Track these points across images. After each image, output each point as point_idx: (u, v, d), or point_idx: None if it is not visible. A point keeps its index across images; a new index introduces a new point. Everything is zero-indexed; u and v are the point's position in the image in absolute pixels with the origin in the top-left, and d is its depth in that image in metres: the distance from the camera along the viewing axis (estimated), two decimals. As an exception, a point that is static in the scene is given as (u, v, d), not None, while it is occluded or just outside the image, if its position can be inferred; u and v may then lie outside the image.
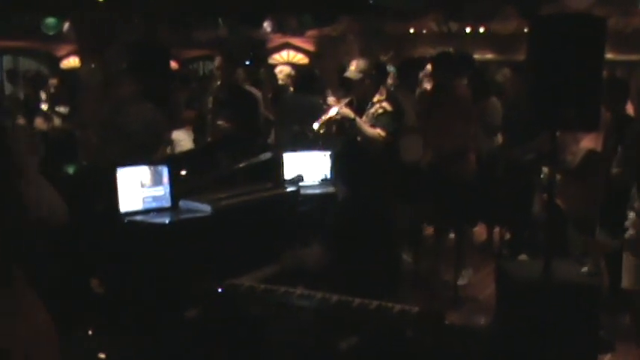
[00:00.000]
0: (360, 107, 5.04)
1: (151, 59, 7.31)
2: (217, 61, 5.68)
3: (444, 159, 5.49)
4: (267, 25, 12.10)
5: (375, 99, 5.03)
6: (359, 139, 4.90)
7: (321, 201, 4.67)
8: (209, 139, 5.52)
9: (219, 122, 5.29)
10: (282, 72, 7.87)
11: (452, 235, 6.13)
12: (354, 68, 5.04)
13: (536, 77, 3.71)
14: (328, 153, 5.16)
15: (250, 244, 3.77)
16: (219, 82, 5.45)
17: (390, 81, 7.03)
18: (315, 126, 4.99)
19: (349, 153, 4.88)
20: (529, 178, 5.82)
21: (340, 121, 4.96)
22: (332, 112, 4.94)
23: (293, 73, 7.95)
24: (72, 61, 14.34)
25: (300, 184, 4.65)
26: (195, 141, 6.17)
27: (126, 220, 3.64)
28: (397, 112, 5.11)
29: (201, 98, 6.37)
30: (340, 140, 5.14)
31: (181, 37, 12.38)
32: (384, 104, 4.99)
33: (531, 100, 3.75)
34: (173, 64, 12.68)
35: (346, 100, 5.05)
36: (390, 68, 7.27)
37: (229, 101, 5.45)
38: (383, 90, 5.15)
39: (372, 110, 4.99)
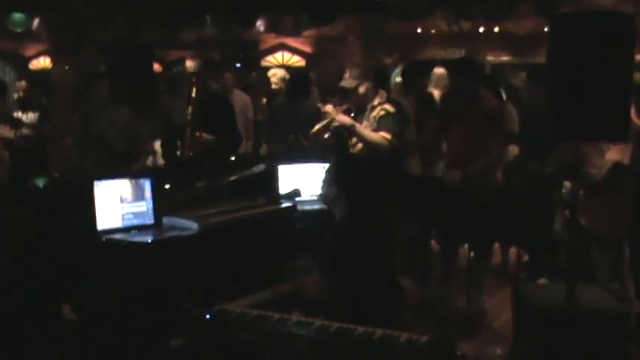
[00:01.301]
0: (358, 115, 5.10)
1: (132, 60, 7.32)
2: (190, 66, 5.65)
3: (472, 178, 5.46)
4: (260, 24, 12.13)
5: (375, 102, 5.11)
6: (358, 147, 4.92)
7: (319, 218, 4.66)
8: (189, 153, 5.51)
9: (199, 134, 5.29)
10: (275, 75, 7.88)
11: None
12: (348, 76, 5.16)
13: (556, 81, 3.73)
14: (327, 165, 5.16)
15: (242, 265, 3.76)
16: (194, 91, 5.41)
17: (399, 79, 7.06)
18: (312, 131, 5.03)
19: (344, 167, 4.89)
20: (549, 193, 5.82)
21: (338, 130, 5.00)
22: (329, 119, 5.00)
23: (288, 76, 7.98)
24: (42, 62, 14.37)
25: (297, 199, 4.65)
26: (165, 155, 6.13)
27: (104, 239, 3.64)
28: (400, 113, 5.17)
29: (171, 106, 6.32)
30: (333, 153, 5.16)
31: (165, 37, 12.41)
32: (386, 106, 5.07)
33: (551, 106, 3.76)
34: (156, 67, 12.71)
35: (344, 108, 5.11)
36: (396, 71, 7.29)
37: (204, 111, 5.45)
38: (382, 93, 5.22)
39: (374, 114, 5.05)
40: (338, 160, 4.95)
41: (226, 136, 5.52)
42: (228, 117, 5.77)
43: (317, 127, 5.06)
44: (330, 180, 4.82)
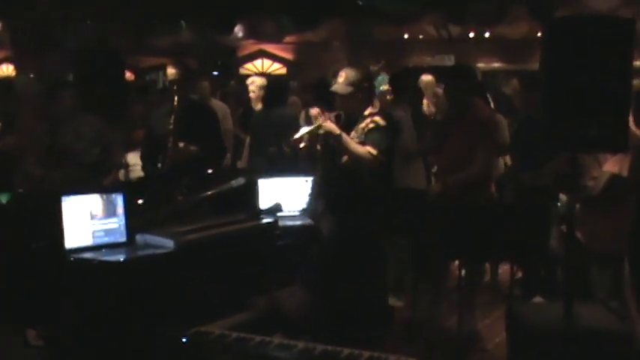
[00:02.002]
0: (349, 124, 5.04)
1: (102, 68, 7.31)
2: (169, 73, 5.61)
3: (461, 190, 5.48)
4: (238, 30, 12.15)
5: (367, 112, 5.02)
6: (344, 159, 4.90)
7: (302, 234, 4.65)
8: (171, 164, 5.49)
9: (182, 145, 5.26)
10: (254, 83, 7.89)
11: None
12: (342, 80, 5.02)
13: (551, 89, 3.75)
14: (310, 178, 5.16)
15: (220, 285, 3.74)
16: (176, 99, 5.39)
17: (384, 87, 7.08)
18: (295, 137, 4.95)
19: (332, 180, 4.88)
20: (544, 206, 5.85)
21: (324, 137, 4.95)
22: (315, 125, 4.94)
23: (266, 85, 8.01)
24: (5, 69, 14.32)
25: (278, 214, 4.64)
26: (146, 168, 6.11)
27: (72, 258, 3.60)
28: (391, 128, 5.10)
29: (150, 115, 6.28)
30: (321, 164, 5.14)
31: (137, 43, 12.40)
32: (376, 118, 4.96)
33: (546, 116, 3.78)
34: (128, 75, 12.69)
35: (333, 114, 5.04)
36: (385, 77, 7.32)
37: (187, 120, 5.43)
38: (376, 102, 5.15)
39: (362, 125, 4.98)
40: (325, 172, 4.95)
41: (211, 147, 5.51)
42: (212, 127, 5.76)
43: (301, 132, 4.98)
44: (317, 193, 4.82)
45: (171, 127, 5.30)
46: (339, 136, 4.82)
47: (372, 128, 4.92)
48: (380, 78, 8.00)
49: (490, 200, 5.71)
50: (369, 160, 4.81)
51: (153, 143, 5.57)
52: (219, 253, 3.86)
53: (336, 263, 3.39)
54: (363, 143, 4.88)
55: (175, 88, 5.43)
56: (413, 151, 6.30)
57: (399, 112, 6.35)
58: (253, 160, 7.01)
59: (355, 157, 4.83)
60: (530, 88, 6.28)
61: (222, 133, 6.24)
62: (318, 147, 5.05)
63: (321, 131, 4.89)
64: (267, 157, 6.42)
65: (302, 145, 4.99)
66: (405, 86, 6.94)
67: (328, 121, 4.90)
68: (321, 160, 5.12)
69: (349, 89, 4.97)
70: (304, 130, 4.97)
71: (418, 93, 7.04)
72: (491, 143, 5.61)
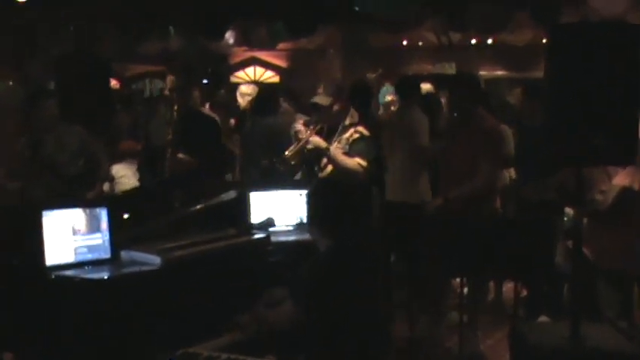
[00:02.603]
0: (330, 135, 5.13)
1: (86, 75, 7.30)
2: (170, 80, 5.67)
3: (463, 203, 5.48)
4: (229, 36, 12.16)
5: (347, 122, 5.14)
6: (327, 170, 4.94)
7: (295, 250, 4.65)
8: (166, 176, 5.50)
9: (180, 156, 5.29)
10: (245, 93, 7.93)
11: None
12: (321, 91, 5.17)
13: (556, 98, 3.76)
14: (304, 192, 5.17)
15: (209, 304, 3.74)
16: (175, 108, 5.42)
17: (389, 97, 7.12)
18: (287, 154, 5.05)
19: (327, 192, 4.89)
20: (550, 221, 5.86)
21: (315, 152, 5.03)
22: (302, 140, 5.03)
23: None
24: (-17, 77, 14.29)
25: (271, 229, 4.64)
26: (142, 179, 6.14)
27: (53, 276, 3.60)
28: (375, 138, 5.20)
29: (147, 126, 6.33)
30: (315, 176, 5.18)
31: (123, 49, 12.40)
32: (360, 128, 5.09)
33: (551, 126, 3.79)
34: (113, 83, 12.69)
35: (316, 128, 5.13)
36: (389, 88, 7.35)
37: (187, 130, 5.44)
38: (354, 113, 5.25)
39: (347, 135, 5.08)
40: (318, 185, 4.97)
41: (212, 159, 5.52)
42: (214, 138, 5.78)
43: (292, 149, 5.09)
44: (312, 207, 4.84)
45: (170, 137, 5.34)
46: (327, 149, 4.93)
47: (357, 139, 5.04)
48: (384, 89, 8.03)
49: (494, 214, 5.71)
50: (359, 172, 4.89)
51: (151, 154, 5.60)
52: (209, 270, 3.86)
53: (329, 278, 3.39)
54: (347, 154, 4.97)
55: (175, 96, 5.48)
56: (428, 153, 6.31)
57: (414, 114, 6.37)
58: (245, 173, 7.02)
59: (344, 169, 4.89)
60: (532, 97, 6.30)
61: (222, 144, 6.28)
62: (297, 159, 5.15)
63: (309, 146, 5.00)
64: (259, 169, 6.42)
65: (293, 162, 5.10)
66: (412, 90, 6.92)
67: (315, 136, 5.00)
68: (301, 172, 5.21)
69: (329, 100, 5.10)
70: (293, 147, 5.08)
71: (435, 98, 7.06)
72: (495, 154, 5.61)
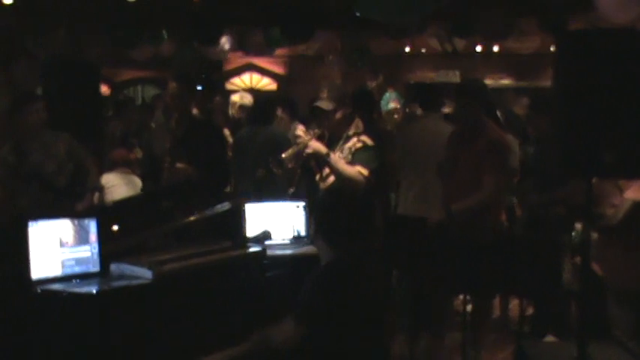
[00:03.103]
0: (331, 142, 5.13)
1: (75, 80, 7.31)
2: (172, 87, 5.66)
3: (467, 218, 5.47)
4: (224, 41, 12.18)
5: (351, 131, 5.13)
6: (329, 180, 4.94)
7: (293, 264, 4.65)
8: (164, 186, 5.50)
9: (179, 165, 5.29)
10: (236, 102, 7.95)
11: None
12: (325, 96, 5.14)
13: (564, 109, 3.76)
14: (302, 204, 5.17)
15: (203, 319, 3.73)
16: (175, 115, 5.42)
17: (393, 104, 7.12)
18: (283, 155, 5.02)
19: (336, 202, 4.90)
20: (557, 236, 5.86)
21: (313, 158, 5.03)
22: (301, 144, 5.01)
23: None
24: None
25: (267, 242, 4.63)
26: (144, 189, 6.13)
27: (39, 290, 3.58)
28: (379, 148, 5.20)
29: (145, 134, 6.34)
30: (316, 187, 5.18)
31: (114, 54, 12.42)
32: (364, 138, 5.09)
33: (559, 137, 3.79)
34: (103, 88, 12.70)
35: (317, 133, 5.12)
36: (393, 94, 7.34)
37: (188, 139, 5.44)
38: (358, 122, 5.24)
39: (349, 144, 5.08)
40: (308, 195, 4.99)
41: (215, 170, 5.51)
42: (218, 148, 5.78)
43: (289, 151, 5.06)
44: (319, 217, 4.84)
45: (168, 145, 5.34)
46: (327, 155, 4.90)
47: (360, 148, 5.04)
48: (387, 95, 8.03)
49: (499, 228, 5.71)
50: (360, 181, 4.88)
51: (152, 163, 5.59)
52: (202, 284, 3.85)
53: (329, 294, 3.39)
54: (350, 163, 4.97)
55: (176, 103, 5.48)
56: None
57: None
58: (239, 184, 7.02)
59: (344, 178, 4.88)
60: (540, 110, 6.30)
61: (227, 154, 6.28)
62: (297, 169, 5.14)
63: (308, 150, 4.97)
64: (254, 180, 6.42)
65: (290, 165, 5.08)
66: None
67: (314, 140, 4.98)
68: (299, 182, 5.20)
69: (332, 105, 5.07)
70: (291, 150, 5.06)
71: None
72: (501, 166, 5.61)
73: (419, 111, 7.16)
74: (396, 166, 6.59)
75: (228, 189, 7.26)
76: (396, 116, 8.48)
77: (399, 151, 6.57)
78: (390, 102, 8.80)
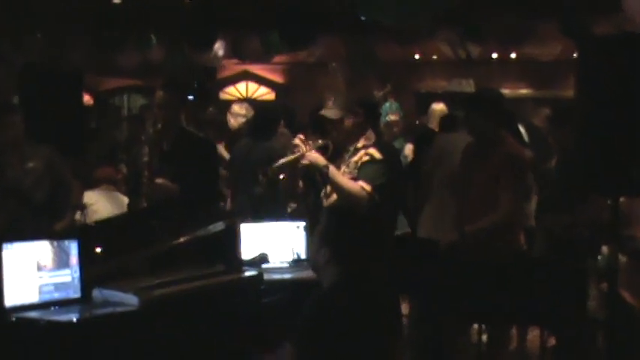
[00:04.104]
0: (338, 155, 5.07)
1: (55, 88, 7.32)
2: (159, 96, 5.64)
3: (482, 240, 5.46)
4: (218, 47, 12.22)
5: (360, 144, 5.05)
6: (333, 198, 4.92)
7: (292, 290, 4.65)
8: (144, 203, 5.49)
9: (159, 181, 5.26)
10: (238, 113, 7.95)
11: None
12: (331, 105, 5.08)
13: (589, 120, 3.76)
14: (302, 224, 5.17)
15: (193, 350, 3.72)
16: (159, 126, 5.40)
17: (393, 117, 7.10)
18: (274, 165, 4.94)
19: (338, 222, 4.89)
20: (581, 260, 5.86)
21: (310, 169, 4.95)
22: (297, 154, 4.93)
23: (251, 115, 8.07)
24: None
25: (264, 266, 4.63)
26: (130, 206, 6.12)
27: (14, 318, 3.58)
28: (388, 162, 5.13)
29: (131, 147, 6.33)
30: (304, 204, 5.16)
31: (98, 60, 12.45)
32: (372, 150, 4.98)
33: (582, 151, 3.79)
34: (86, 98, 12.73)
35: (318, 144, 5.05)
36: (393, 105, 7.33)
37: (176, 153, 5.43)
38: (370, 134, 5.18)
39: (356, 158, 5.01)
40: (310, 213, 4.95)
41: (204, 188, 5.48)
42: (208, 163, 5.75)
43: (281, 161, 4.95)
44: (320, 241, 4.83)
45: (146, 159, 5.30)
46: (326, 167, 4.81)
47: (367, 162, 4.94)
48: (387, 105, 8.02)
49: (517, 252, 5.70)
50: (362, 198, 4.80)
51: (136, 178, 5.57)
52: (192, 312, 3.85)
53: (336, 321, 3.39)
54: (355, 179, 4.89)
55: (162, 114, 5.46)
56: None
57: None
58: (235, 202, 7.01)
59: (344, 194, 4.82)
60: (561, 121, 6.30)
61: (218, 171, 6.26)
62: (300, 183, 5.08)
63: (304, 161, 4.87)
64: (251, 198, 6.42)
65: (282, 176, 4.99)
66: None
67: (313, 151, 4.90)
68: (304, 198, 5.15)
69: (340, 114, 5.01)
70: (284, 159, 4.96)
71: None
72: (519, 184, 5.59)
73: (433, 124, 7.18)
74: (405, 184, 6.59)
75: (227, 206, 7.27)
76: (395, 129, 8.46)
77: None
78: (390, 114, 8.76)
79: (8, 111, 5.97)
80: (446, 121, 7.48)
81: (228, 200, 7.44)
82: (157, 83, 6.06)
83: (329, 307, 3.44)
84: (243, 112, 8.33)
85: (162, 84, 5.75)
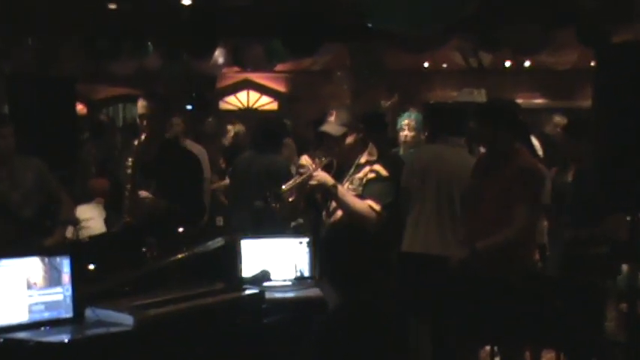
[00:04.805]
0: (341, 172, 5.09)
1: (46, 98, 7.33)
2: (141, 105, 5.62)
3: (494, 257, 5.45)
4: (218, 55, 12.25)
5: (363, 159, 5.08)
6: (337, 215, 4.93)
7: (295, 309, 4.64)
8: (127, 219, 5.49)
9: (143, 194, 5.26)
10: (227, 131, 7.99)
11: None
12: (333, 119, 5.10)
13: (605, 132, 3.76)
14: (305, 239, 5.17)
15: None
16: (143, 137, 5.39)
17: (406, 132, 7.08)
18: (284, 187, 4.99)
19: (341, 240, 4.90)
20: (598, 279, 5.85)
21: (317, 189, 4.99)
22: (305, 175, 4.97)
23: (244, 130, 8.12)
24: None
25: (265, 284, 4.63)
26: (108, 222, 6.14)
27: (2, 339, 3.58)
28: (395, 179, 5.16)
29: (120, 159, 6.32)
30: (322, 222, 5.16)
31: (91, 68, 12.48)
32: (377, 167, 5.02)
33: (600, 166, 3.79)
34: (79, 108, 12.75)
35: (323, 162, 5.08)
36: (411, 115, 7.28)
37: (159, 165, 5.42)
38: (372, 149, 5.21)
39: (360, 174, 5.04)
40: (334, 230, 4.97)
41: (190, 202, 5.48)
42: (192, 175, 5.74)
43: (290, 183, 5.02)
44: (323, 257, 4.84)
45: (129, 171, 5.30)
46: (334, 187, 4.86)
47: (373, 179, 4.98)
48: (406, 115, 7.97)
49: (531, 270, 5.69)
50: (371, 218, 4.84)
51: (118, 192, 5.55)
52: (190, 332, 3.85)
53: (343, 344, 3.37)
54: (360, 196, 4.92)
55: (145, 124, 5.44)
56: None
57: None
58: (235, 217, 7.01)
59: (352, 213, 4.86)
60: (576, 131, 6.30)
61: (203, 184, 6.25)
62: (298, 199, 5.10)
63: (313, 182, 4.93)
64: (252, 213, 6.42)
65: (291, 199, 5.04)
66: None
67: (320, 170, 4.94)
68: (305, 217, 5.15)
69: (342, 130, 5.04)
70: (293, 181, 5.02)
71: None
72: (533, 198, 5.59)
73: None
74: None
75: (221, 223, 7.28)
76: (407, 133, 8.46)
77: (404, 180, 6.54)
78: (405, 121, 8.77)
79: (0, 122, 5.97)
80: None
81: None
82: (154, 93, 6.06)
83: (334, 328, 3.43)
84: (232, 128, 8.37)
85: (144, 92, 5.71)
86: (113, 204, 6.50)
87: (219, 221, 7.62)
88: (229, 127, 9.40)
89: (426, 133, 7.06)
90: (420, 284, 5.95)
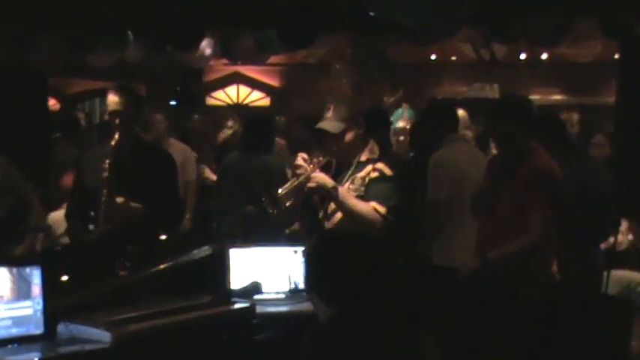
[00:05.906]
0: (340, 172, 5.10)
1: (16, 93, 7.34)
2: (112, 101, 5.59)
3: (508, 268, 5.45)
4: (206, 46, 12.25)
5: (364, 157, 5.09)
6: (336, 218, 4.93)
7: (289, 324, 4.64)
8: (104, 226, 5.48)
9: (119, 200, 5.25)
10: (223, 125, 7.99)
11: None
12: (330, 116, 5.10)
13: (628, 130, 3.78)
14: (300, 248, 5.18)
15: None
16: (116, 137, 5.37)
17: (402, 124, 7.13)
18: (280, 192, 5.00)
19: (329, 250, 4.90)
20: (620, 294, 5.86)
21: (318, 192, 5.00)
22: (302, 176, 4.98)
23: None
24: None
25: (257, 296, 4.63)
26: (72, 232, 6.09)
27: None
28: (400, 179, 5.16)
29: (81, 158, 6.29)
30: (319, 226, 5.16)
31: (66, 61, 12.47)
32: (380, 166, 5.04)
33: (622, 166, 3.80)
34: (51, 103, 12.75)
35: (321, 161, 5.09)
36: (406, 112, 7.34)
37: (131, 167, 5.41)
38: (373, 146, 5.21)
39: (362, 173, 5.05)
40: (322, 239, 4.96)
41: (164, 206, 5.48)
42: (167, 177, 5.74)
43: (287, 186, 5.03)
44: (312, 268, 4.83)
45: (106, 174, 5.29)
46: (334, 189, 4.87)
47: (376, 179, 5.00)
48: (399, 111, 8.03)
49: (549, 283, 5.69)
50: (375, 221, 4.84)
51: (83, 197, 5.54)
52: (173, 350, 3.85)
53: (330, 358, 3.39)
54: (363, 197, 4.92)
55: (118, 122, 5.42)
56: None
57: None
58: (224, 221, 7.02)
59: (355, 217, 4.86)
60: (592, 130, 6.31)
61: (179, 186, 6.25)
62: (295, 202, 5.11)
63: (311, 184, 4.94)
64: (242, 219, 6.43)
65: (288, 203, 5.05)
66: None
67: (318, 172, 4.95)
68: (301, 220, 5.16)
69: (341, 126, 5.04)
70: (289, 183, 5.03)
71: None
72: (552, 202, 5.58)
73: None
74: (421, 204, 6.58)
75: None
76: (402, 138, 8.50)
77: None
78: (400, 121, 8.79)
79: None
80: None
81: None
82: (135, 87, 6.06)
83: (325, 342, 3.44)
84: (229, 122, 8.37)
85: (114, 86, 5.68)
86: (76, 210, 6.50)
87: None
88: (230, 122, 9.30)
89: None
90: (430, 298, 5.97)
